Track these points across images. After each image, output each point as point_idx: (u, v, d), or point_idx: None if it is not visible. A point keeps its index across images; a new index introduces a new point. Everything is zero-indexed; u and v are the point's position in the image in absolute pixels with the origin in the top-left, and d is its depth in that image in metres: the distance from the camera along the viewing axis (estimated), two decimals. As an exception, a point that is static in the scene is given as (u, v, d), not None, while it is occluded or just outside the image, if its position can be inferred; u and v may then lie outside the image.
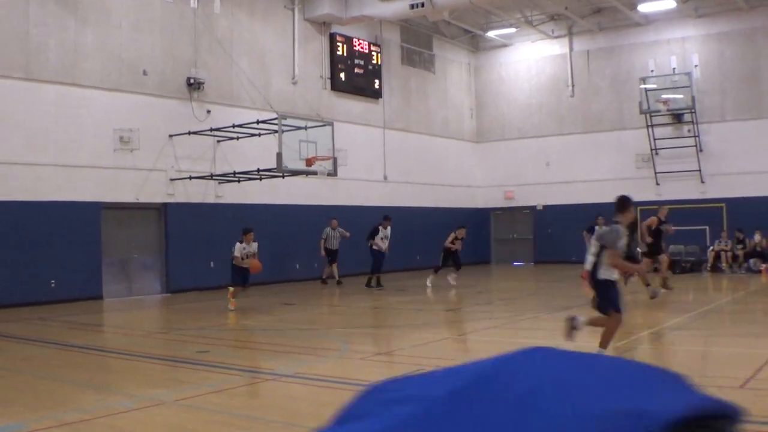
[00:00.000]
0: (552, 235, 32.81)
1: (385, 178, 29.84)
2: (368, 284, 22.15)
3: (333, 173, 21.93)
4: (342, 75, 27.79)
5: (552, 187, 33.00)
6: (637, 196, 29.26)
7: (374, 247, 22.19)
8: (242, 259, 17.21)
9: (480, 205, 34.85)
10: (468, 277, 22.43)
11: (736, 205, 28.40)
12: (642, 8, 29.71)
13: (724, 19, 29.58)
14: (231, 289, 17.25)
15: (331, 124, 21.65)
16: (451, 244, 22.10)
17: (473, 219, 32.99)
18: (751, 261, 25.51)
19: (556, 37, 33.06)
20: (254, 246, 17.53)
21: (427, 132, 32.41)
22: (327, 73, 27.48)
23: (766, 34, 28.92)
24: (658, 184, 30.41)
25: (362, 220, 25.06)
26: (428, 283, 21.89)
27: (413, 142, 31.34)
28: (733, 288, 20.92)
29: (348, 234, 23.53)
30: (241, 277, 17.32)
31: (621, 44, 31.79)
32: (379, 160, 29.62)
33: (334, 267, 23.64)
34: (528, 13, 31.11)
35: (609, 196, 31.34)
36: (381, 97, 29.68)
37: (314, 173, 21.71)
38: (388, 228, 22.45)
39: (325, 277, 23.82)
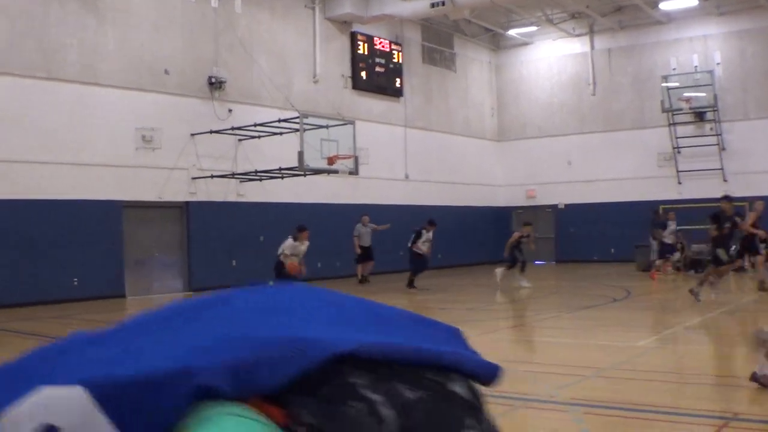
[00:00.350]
0: (574, 234, 32.68)
1: (407, 176, 29.82)
2: (411, 285, 21.84)
3: (354, 172, 21.95)
4: (363, 74, 27.81)
5: (574, 186, 32.85)
6: (658, 195, 29.55)
7: (416, 250, 21.70)
8: (291, 256, 16.80)
9: (501, 203, 34.74)
10: (490, 275, 22.34)
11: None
12: (663, 6, 29.54)
13: (746, 16, 29.36)
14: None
15: (352, 122, 21.67)
16: (515, 241, 21.62)
17: (494, 218, 32.93)
18: (775, 260, 25.26)
19: (577, 36, 32.92)
20: (306, 245, 17.16)
21: (448, 131, 32.36)
22: (348, 72, 27.50)
23: (790, 31, 28.71)
24: (680, 183, 30.23)
25: (383, 219, 25.00)
26: (523, 284, 21.02)
27: (434, 141, 31.29)
28: (756, 287, 20.70)
29: (381, 227, 23.52)
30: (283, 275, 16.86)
31: (642, 42, 31.62)
32: (401, 159, 29.60)
33: (361, 265, 23.57)
34: (549, 12, 31.02)
35: (631, 195, 31.49)
36: (402, 95, 29.66)
37: (336, 172, 21.75)
38: (431, 232, 22.07)
39: (365, 274, 23.69)
